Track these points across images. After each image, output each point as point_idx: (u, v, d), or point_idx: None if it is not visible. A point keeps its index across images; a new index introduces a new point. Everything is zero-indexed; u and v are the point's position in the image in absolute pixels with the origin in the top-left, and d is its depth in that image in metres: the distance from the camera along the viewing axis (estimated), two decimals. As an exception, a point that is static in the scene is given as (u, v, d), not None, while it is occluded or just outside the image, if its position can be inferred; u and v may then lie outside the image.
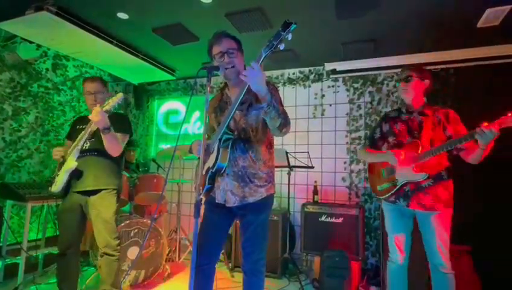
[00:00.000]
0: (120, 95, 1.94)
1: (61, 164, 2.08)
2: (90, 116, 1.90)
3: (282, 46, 1.30)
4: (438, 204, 1.84)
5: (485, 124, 1.56)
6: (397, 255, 2.00)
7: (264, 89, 1.35)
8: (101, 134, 1.98)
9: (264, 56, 1.32)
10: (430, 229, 1.85)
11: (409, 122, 1.99)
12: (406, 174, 1.88)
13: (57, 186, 2.06)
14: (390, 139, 2.05)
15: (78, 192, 2.09)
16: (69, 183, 2.09)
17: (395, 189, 1.94)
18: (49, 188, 2.11)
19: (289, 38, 1.28)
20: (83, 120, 2.26)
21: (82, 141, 2.02)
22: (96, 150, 2.13)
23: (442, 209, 1.83)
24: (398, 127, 2.02)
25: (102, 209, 2.10)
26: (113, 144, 2.05)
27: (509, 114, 1.51)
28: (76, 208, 2.12)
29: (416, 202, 1.87)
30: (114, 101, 1.93)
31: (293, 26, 1.26)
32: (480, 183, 3.00)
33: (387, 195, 1.99)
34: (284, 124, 1.49)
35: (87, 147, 2.12)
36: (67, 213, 2.12)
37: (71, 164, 2.01)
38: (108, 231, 2.11)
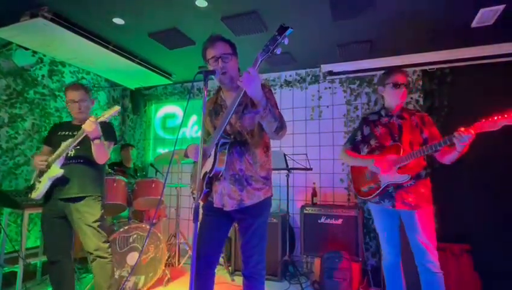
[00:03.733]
0: (117, 108, 1.95)
1: (42, 170, 2.07)
2: (84, 127, 1.92)
3: (279, 51, 1.30)
4: (421, 202, 1.91)
5: (462, 129, 1.64)
6: (389, 251, 2.06)
7: (260, 94, 1.36)
8: (92, 143, 1.99)
9: (260, 60, 1.33)
10: (415, 227, 1.90)
11: (389, 126, 2.05)
12: (388, 177, 1.93)
13: (38, 192, 2.06)
14: (372, 142, 2.11)
15: (62, 199, 2.08)
16: (51, 190, 2.08)
17: (379, 190, 1.98)
18: (29, 194, 2.10)
19: (286, 43, 1.28)
20: (64, 126, 2.26)
21: (69, 148, 2.02)
22: (81, 157, 2.14)
23: (425, 205, 1.91)
24: (379, 130, 2.08)
25: (87, 215, 2.10)
26: (102, 152, 2.08)
27: (483, 120, 1.61)
28: (60, 215, 2.11)
29: (401, 202, 1.93)
30: (110, 113, 1.93)
31: (289, 31, 1.26)
32: (480, 183, 3.02)
33: (371, 196, 2.04)
34: (280, 127, 1.49)
35: (72, 155, 2.12)
36: (52, 220, 2.11)
37: (56, 171, 2.01)
38: (96, 235, 2.11)
